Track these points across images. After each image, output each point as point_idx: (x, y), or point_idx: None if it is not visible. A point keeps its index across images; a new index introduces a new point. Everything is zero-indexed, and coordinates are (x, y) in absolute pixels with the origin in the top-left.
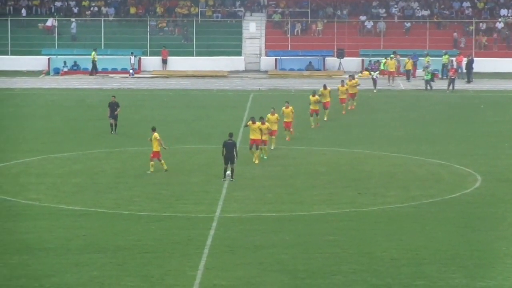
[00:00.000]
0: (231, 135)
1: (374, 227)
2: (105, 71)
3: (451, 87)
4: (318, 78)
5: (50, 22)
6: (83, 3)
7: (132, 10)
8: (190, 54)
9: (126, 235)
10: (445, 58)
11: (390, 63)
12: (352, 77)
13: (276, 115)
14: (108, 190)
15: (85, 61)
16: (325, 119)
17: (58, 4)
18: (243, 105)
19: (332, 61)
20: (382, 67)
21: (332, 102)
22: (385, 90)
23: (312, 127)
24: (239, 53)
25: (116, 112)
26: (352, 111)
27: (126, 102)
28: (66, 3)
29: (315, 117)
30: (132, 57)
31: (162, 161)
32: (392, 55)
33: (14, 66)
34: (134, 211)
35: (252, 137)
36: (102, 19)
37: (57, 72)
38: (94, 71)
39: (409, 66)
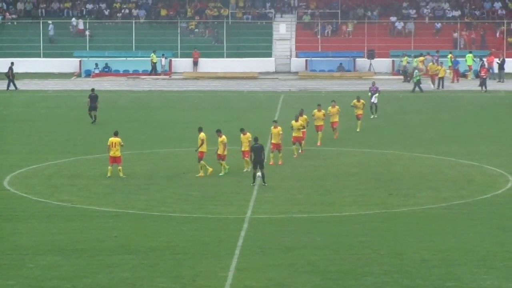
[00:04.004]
0: (256, 139)
1: (405, 228)
2: (136, 73)
3: (484, 88)
4: (348, 79)
5: (81, 24)
6: (114, 5)
7: (163, 12)
8: (220, 55)
9: (158, 236)
10: (469, 59)
11: (432, 67)
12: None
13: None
14: (139, 192)
15: (116, 63)
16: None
17: (89, 6)
18: (273, 106)
19: (362, 62)
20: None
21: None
22: (416, 91)
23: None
24: (269, 55)
25: (96, 104)
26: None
27: (157, 104)
28: (97, 6)
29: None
30: (163, 59)
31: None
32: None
33: (46, 68)
34: (165, 212)
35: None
36: (133, 21)
37: (88, 74)
38: (153, 72)
39: (442, 74)
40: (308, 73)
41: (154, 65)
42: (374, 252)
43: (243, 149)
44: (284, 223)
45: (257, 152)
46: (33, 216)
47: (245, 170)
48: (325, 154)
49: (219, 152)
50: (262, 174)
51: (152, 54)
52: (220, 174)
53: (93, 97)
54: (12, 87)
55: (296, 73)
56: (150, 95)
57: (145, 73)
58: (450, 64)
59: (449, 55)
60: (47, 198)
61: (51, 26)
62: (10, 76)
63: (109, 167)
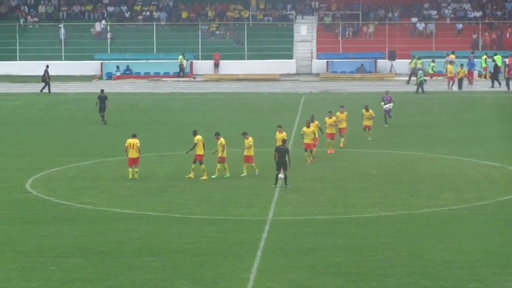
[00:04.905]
0: (284, 141)
1: (427, 230)
2: (157, 75)
3: (510, 88)
4: (369, 80)
5: (99, 27)
6: (135, 8)
7: (184, 15)
8: (241, 57)
9: (179, 238)
10: (483, 60)
11: (450, 68)
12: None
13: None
14: (161, 194)
15: (137, 66)
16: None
17: (110, 9)
18: (294, 108)
19: (383, 64)
20: (430, 71)
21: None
22: (438, 92)
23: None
24: (290, 56)
25: (105, 105)
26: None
27: (178, 106)
28: (118, 8)
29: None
30: (184, 60)
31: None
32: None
33: (68, 71)
34: (187, 214)
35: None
36: (154, 23)
37: (109, 76)
38: (181, 74)
39: (462, 74)
40: (329, 74)
41: (181, 67)
42: (396, 254)
43: (245, 153)
44: (305, 225)
45: (281, 153)
46: (55, 219)
47: (242, 175)
48: (346, 155)
49: (219, 155)
50: (285, 176)
51: (181, 56)
52: (213, 176)
53: (102, 98)
54: (46, 90)
55: (317, 74)
56: (171, 98)
57: (174, 75)
58: (484, 65)
59: (484, 56)
60: (69, 200)
61: (62, 30)
62: (47, 79)
63: (129, 169)
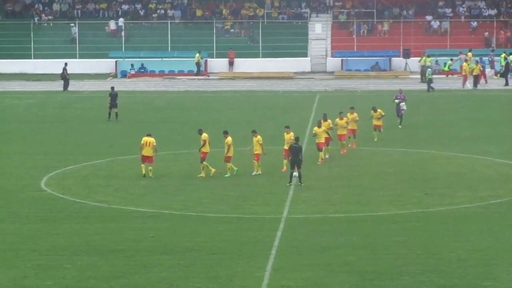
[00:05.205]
0: (297, 139)
1: (442, 228)
2: (171, 73)
3: None
4: (384, 78)
5: (113, 25)
6: (150, 6)
7: (198, 13)
8: (256, 55)
9: (194, 236)
10: (502, 58)
11: (465, 66)
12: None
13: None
14: (176, 192)
15: (151, 64)
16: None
17: (125, 7)
18: (309, 106)
19: (398, 62)
20: (445, 68)
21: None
22: (453, 90)
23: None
24: (305, 54)
25: (116, 102)
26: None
27: (193, 104)
28: (133, 7)
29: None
30: (201, 59)
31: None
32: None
33: (82, 69)
34: (202, 212)
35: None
36: (169, 21)
37: (124, 74)
38: (199, 72)
39: (477, 71)
40: (343, 72)
41: (198, 65)
42: (410, 252)
43: (255, 151)
44: (320, 223)
45: (295, 152)
46: (70, 217)
47: (253, 173)
48: (361, 153)
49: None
50: (299, 174)
51: (197, 54)
52: (226, 175)
53: (113, 95)
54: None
55: (331, 72)
56: (186, 96)
57: (190, 73)
58: (503, 63)
59: (503, 54)
60: (83, 198)
61: (73, 29)
62: (66, 76)
63: (142, 165)
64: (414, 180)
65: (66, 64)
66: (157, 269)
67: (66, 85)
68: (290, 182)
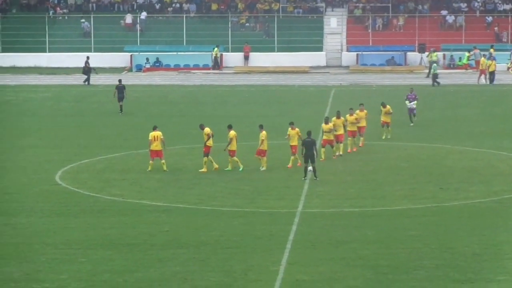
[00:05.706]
0: (309, 133)
1: (456, 222)
2: (187, 67)
3: None
4: (399, 73)
5: (129, 19)
6: None
7: (214, 7)
8: (271, 50)
9: (209, 230)
10: None
11: (483, 61)
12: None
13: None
14: (190, 186)
15: (167, 58)
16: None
17: (140, 1)
18: (324, 100)
19: (413, 56)
20: (464, 61)
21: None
22: (468, 85)
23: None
24: (320, 49)
25: (123, 95)
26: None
27: (208, 99)
28: (148, 0)
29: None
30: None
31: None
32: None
33: (97, 63)
34: (216, 206)
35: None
36: (184, 15)
37: (139, 68)
38: (216, 66)
39: (493, 67)
40: (359, 67)
41: (216, 59)
42: (425, 246)
43: (261, 147)
44: (335, 217)
45: (308, 146)
46: (84, 211)
47: (262, 168)
48: (376, 148)
49: (230, 148)
50: (314, 168)
51: (215, 48)
52: (227, 168)
53: (120, 87)
54: (87, 81)
55: (347, 67)
56: (201, 90)
57: (206, 67)
58: None
59: None
60: (98, 192)
61: (85, 24)
62: (91, 69)
63: (150, 162)
64: (428, 174)
65: (88, 57)
66: (171, 263)
67: (88, 79)
68: (305, 176)
